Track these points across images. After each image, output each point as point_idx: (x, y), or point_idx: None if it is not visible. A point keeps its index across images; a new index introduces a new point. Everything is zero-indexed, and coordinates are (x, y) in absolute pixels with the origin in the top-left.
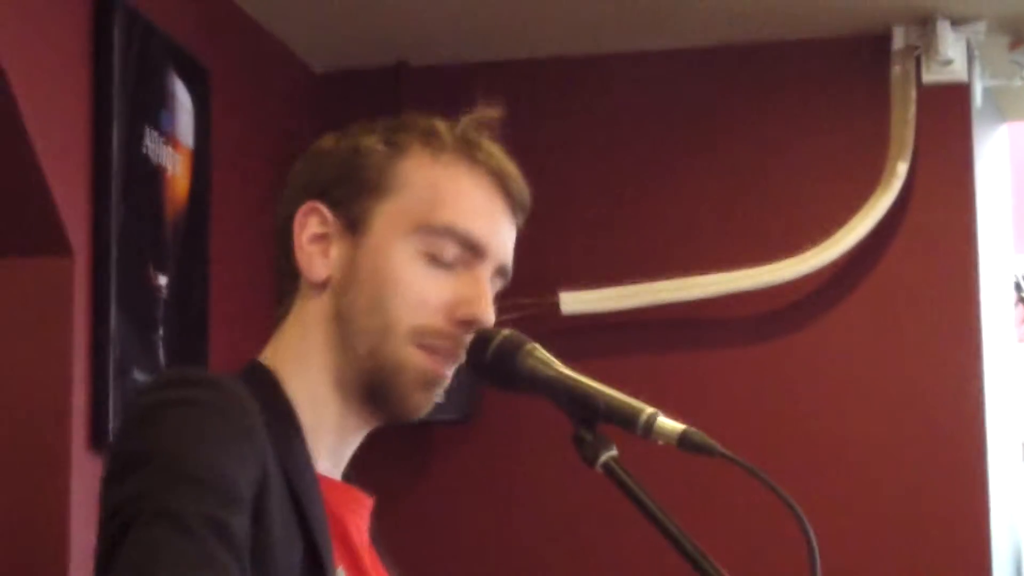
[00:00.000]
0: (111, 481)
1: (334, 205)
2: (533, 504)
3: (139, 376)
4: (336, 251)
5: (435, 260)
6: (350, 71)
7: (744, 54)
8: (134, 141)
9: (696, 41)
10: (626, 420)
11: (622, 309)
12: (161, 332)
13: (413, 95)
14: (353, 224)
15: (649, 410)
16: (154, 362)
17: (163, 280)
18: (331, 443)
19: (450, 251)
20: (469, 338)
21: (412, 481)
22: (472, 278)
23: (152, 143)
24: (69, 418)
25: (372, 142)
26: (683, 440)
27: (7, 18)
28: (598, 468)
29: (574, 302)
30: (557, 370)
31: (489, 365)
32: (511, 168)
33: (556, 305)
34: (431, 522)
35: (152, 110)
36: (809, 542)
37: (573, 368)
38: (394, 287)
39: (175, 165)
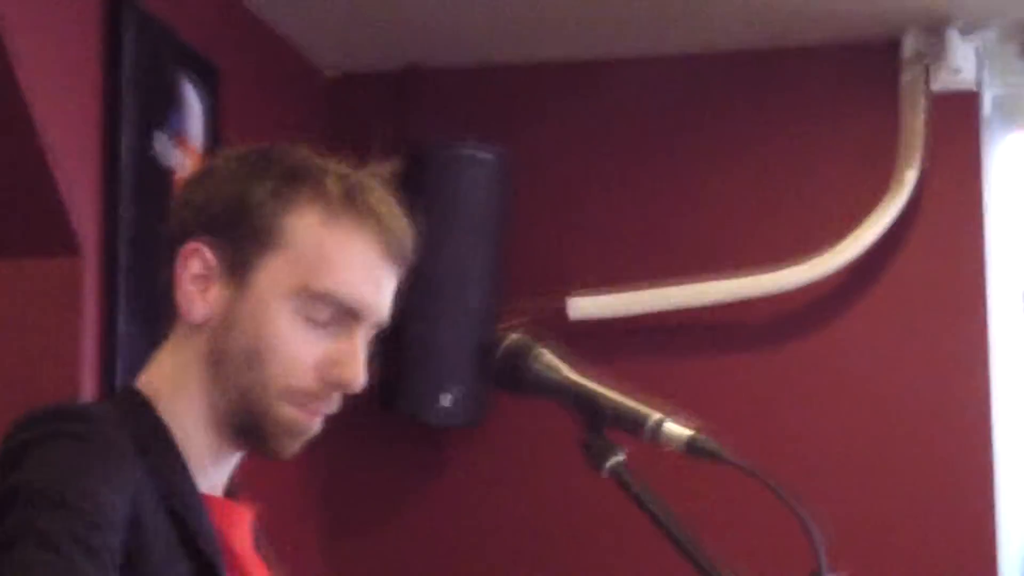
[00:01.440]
0: None
1: (218, 246)
2: (543, 508)
3: None
4: (216, 293)
5: (312, 321)
6: (360, 73)
7: (754, 59)
8: (144, 142)
9: (707, 46)
10: (633, 425)
11: (630, 314)
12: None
13: (422, 98)
14: (235, 269)
15: (656, 415)
16: None
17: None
18: (207, 466)
19: (327, 313)
20: (339, 397)
21: (423, 486)
22: (347, 340)
23: (161, 144)
24: None
25: (262, 191)
26: (691, 445)
27: (18, 18)
28: (605, 473)
29: (581, 307)
30: (565, 375)
31: (498, 370)
32: (397, 223)
33: (563, 310)
34: (442, 526)
35: (162, 111)
36: (817, 549)
37: (582, 372)
38: (270, 346)
39: (185, 166)
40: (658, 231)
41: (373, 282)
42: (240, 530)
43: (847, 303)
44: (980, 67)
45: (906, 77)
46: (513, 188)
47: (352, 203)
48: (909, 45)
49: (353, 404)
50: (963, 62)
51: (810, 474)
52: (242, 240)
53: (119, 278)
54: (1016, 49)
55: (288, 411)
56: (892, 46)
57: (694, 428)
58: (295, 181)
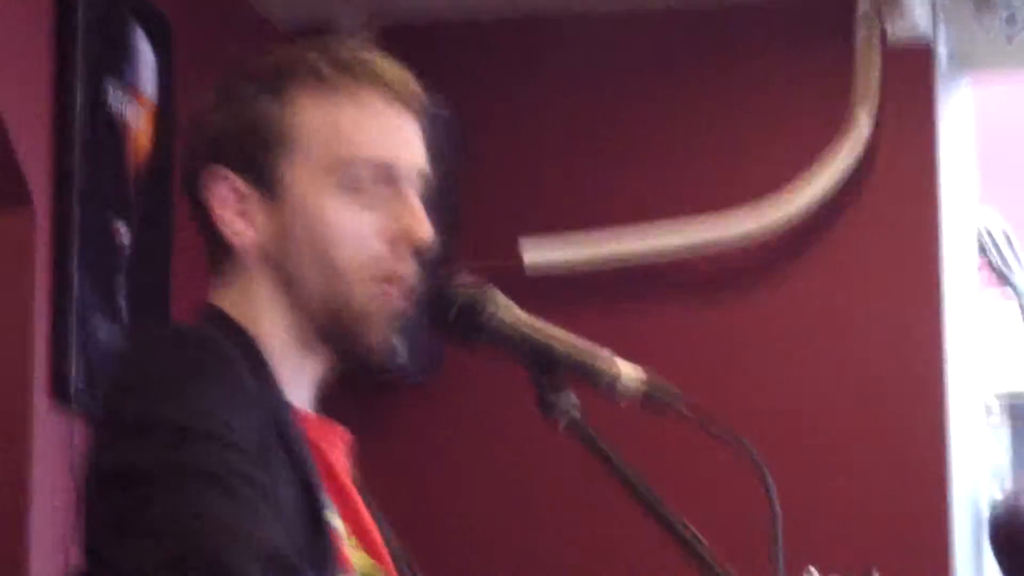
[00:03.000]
0: (114, 445)
1: (242, 171)
2: (499, 460)
3: (101, 329)
4: (261, 219)
5: (357, 191)
6: (313, 28)
7: (708, 13)
8: (96, 94)
9: (660, 1)
10: (589, 375)
11: (585, 261)
12: (123, 284)
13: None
14: (268, 187)
15: (613, 365)
16: (116, 314)
17: (125, 232)
18: (295, 385)
19: (367, 179)
20: (415, 262)
21: (377, 440)
22: (402, 201)
23: (115, 96)
24: (31, 370)
25: (255, 96)
26: (647, 395)
27: None
28: (561, 423)
29: (537, 252)
30: (520, 326)
31: (452, 322)
32: (398, 73)
33: (520, 259)
34: (395, 481)
35: (114, 63)
36: (768, 491)
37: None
38: (330, 234)
39: (138, 118)
40: (613, 178)
41: (394, 132)
42: (339, 452)
43: (802, 250)
44: (934, 19)
45: (861, 29)
46: (466, 142)
47: (344, 70)
48: None
49: None
50: (917, 14)
51: (761, 424)
52: (258, 156)
53: (71, 229)
54: (970, 1)
55: (372, 293)
56: None
57: (648, 378)
58: (285, 79)
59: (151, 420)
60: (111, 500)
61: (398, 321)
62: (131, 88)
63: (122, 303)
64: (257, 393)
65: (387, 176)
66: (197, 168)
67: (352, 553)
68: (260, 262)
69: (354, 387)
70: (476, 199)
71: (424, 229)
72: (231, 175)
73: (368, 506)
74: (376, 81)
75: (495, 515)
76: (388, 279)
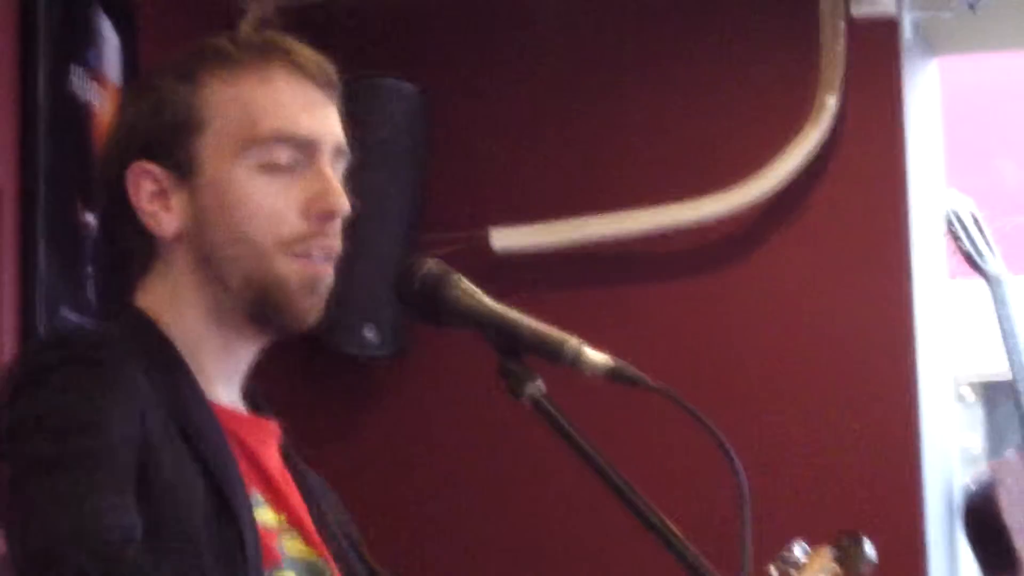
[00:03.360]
0: (6, 443)
1: (158, 158)
2: (470, 438)
3: (68, 314)
4: (176, 202)
5: (273, 169)
6: (278, 7)
7: None
8: (60, 78)
9: None
10: (552, 351)
11: (553, 244)
12: (90, 270)
13: (341, 32)
14: (182, 170)
15: (575, 341)
16: (83, 300)
17: (92, 218)
18: (220, 375)
19: (284, 155)
20: (335, 230)
21: (349, 418)
22: (315, 172)
23: (78, 80)
24: None
25: (169, 85)
26: (610, 370)
27: None
28: (525, 400)
29: (505, 238)
30: (483, 302)
31: (416, 298)
32: (305, 52)
33: (487, 241)
34: (366, 461)
35: (78, 47)
36: (736, 472)
37: (499, 301)
38: (245, 210)
39: (102, 102)
40: (580, 161)
41: (308, 107)
42: (268, 447)
43: (768, 232)
44: None
45: (825, 3)
46: (433, 121)
47: (250, 48)
48: None
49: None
50: None
51: (731, 404)
52: (173, 140)
53: (37, 215)
54: None
55: (291, 265)
56: None
57: (612, 357)
58: (191, 62)
59: (16, 417)
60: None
61: (321, 286)
62: (95, 73)
63: (89, 288)
64: (150, 390)
65: (298, 149)
66: (117, 169)
67: (287, 544)
68: (181, 247)
69: (329, 366)
70: (442, 180)
71: (336, 197)
72: (149, 165)
73: (310, 495)
74: (284, 60)
75: (467, 495)
76: (306, 250)
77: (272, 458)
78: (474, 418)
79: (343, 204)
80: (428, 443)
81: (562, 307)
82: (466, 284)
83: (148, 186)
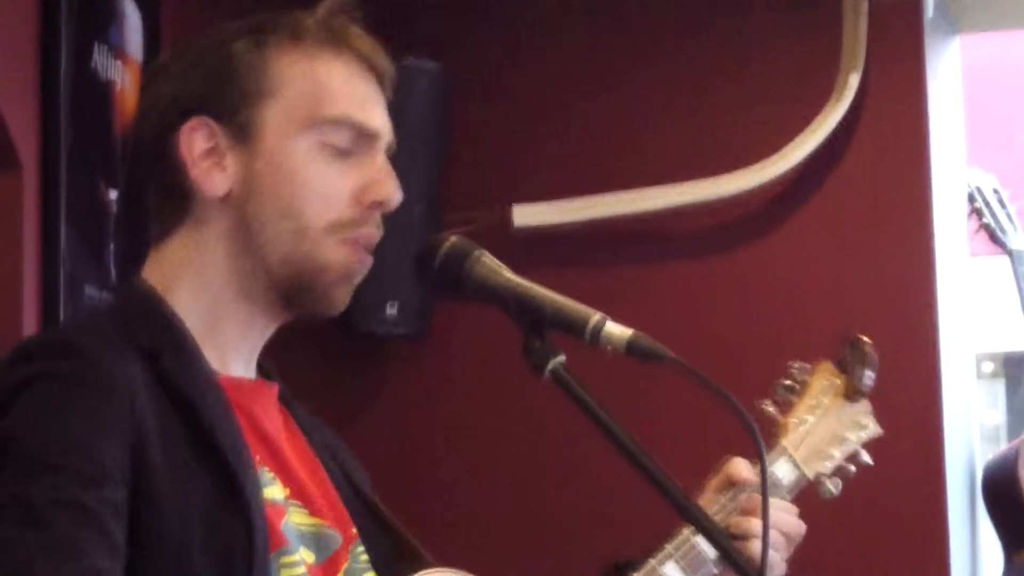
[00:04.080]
0: None
1: (217, 116)
2: (492, 416)
3: (90, 291)
4: (231, 163)
5: (334, 151)
6: None
7: None
8: (82, 55)
9: None
10: (574, 326)
11: (575, 222)
12: (112, 248)
13: (365, 11)
14: (242, 132)
15: (597, 315)
16: (105, 278)
17: (113, 195)
18: (240, 345)
19: (346, 140)
20: (377, 220)
21: (371, 397)
22: (372, 161)
23: (101, 57)
24: (20, 334)
25: (240, 47)
26: (631, 346)
27: None
28: (546, 375)
29: (527, 215)
30: (505, 276)
31: (437, 273)
32: (371, 45)
33: (508, 218)
34: (387, 439)
35: (100, 24)
36: (758, 446)
37: (521, 276)
38: (302, 186)
39: (124, 80)
40: (601, 141)
41: (372, 102)
42: (266, 408)
43: (791, 210)
44: None
45: None
46: (455, 100)
47: (328, 32)
48: None
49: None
50: None
51: (751, 381)
52: (239, 102)
53: (59, 192)
54: None
55: (340, 253)
56: None
57: (633, 331)
58: (266, 30)
59: (3, 442)
60: None
61: (356, 277)
62: (117, 50)
63: (111, 266)
64: (140, 385)
65: (359, 137)
66: (170, 121)
67: (294, 517)
68: (224, 210)
69: (351, 344)
70: (464, 158)
71: (395, 194)
72: (208, 121)
73: (325, 449)
74: (354, 49)
75: (488, 474)
76: (354, 239)
77: (274, 420)
78: (494, 397)
79: (396, 194)
80: (448, 421)
81: (583, 285)
82: (489, 259)
83: (203, 143)
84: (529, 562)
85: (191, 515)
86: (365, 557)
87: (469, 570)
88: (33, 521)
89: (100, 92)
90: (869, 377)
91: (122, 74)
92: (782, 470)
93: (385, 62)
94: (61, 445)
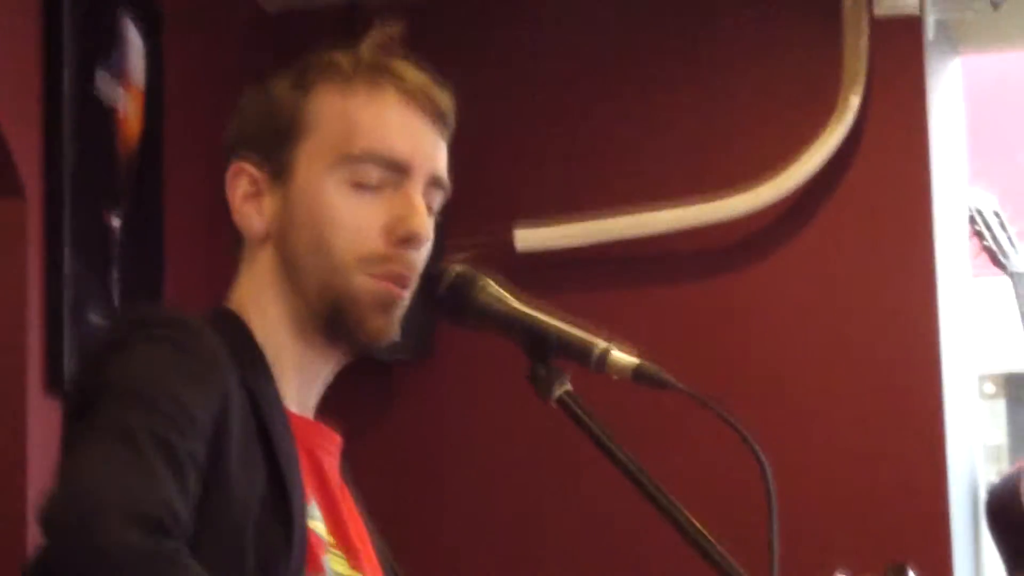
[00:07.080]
0: (74, 414)
1: (258, 159)
2: (493, 439)
3: (94, 317)
4: (268, 203)
5: (362, 187)
6: (303, 11)
7: None
8: (85, 81)
9: None
10: (579, 354)
11: (578, 245)
12: (115, 273)
13: (364, 31)
14: (279, 173)
15: (602, 343)
16: (109, 303)
17: (117, 220)
18: (296, 384)
19: (374, 175)
20: (414, 257)
21: (373, 420)
22: (402, 196)
23: (103, 83)
24: (24, 360)
25: (281, 89)
26: (637, 373)
27: None
28: (552, 402)
29: (529, 239)
30: (511, 304)
31: (443, 300)
32: (421, 79)
33: (511, 242)
34: (390, 462)
35: (103, 50)
36: (764, 472)
37: (527, 302)
38: (330, 222)
39: (127, 105)
40: (604, 162)
41: (408, 134)
42: (331, 456)
43: (793, 230)
44: None
45: (849, 2)
46: (456, 121)
47: (365, 67)
48: None
49: None
50: None
51: (758, 402)
52: (276, 143)
53: (63, 217)
54: None
55: (366, 282)
56: None
57: (639, 357)
58: (307, 71)
59: (105, 388)
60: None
61: (394, 307)
62: (120, 75)
63: (115, 292)
64: (237, 386)
65: (396, 173)
66: (227, 159)
67: (334, 563)
68: (266, 250)
69: (353, 367)
70: (466, 180)
71: (423, 230)
72: (249, 165)
73: (359, 513)
74: (396, 84)
75: (492, 497)
76: (386, 273)
77: (333, 468)
78: (498, 420)
79: (424, 229)
80: (452, 445)
81: (587, 307)
82: (493, 287)
83: (244, 186)
84: None
85: (252, 505)
86: None
87: None
88: (129, 442)
89: (103, 118)
90: None
91: (124, 100)
92: None
93: (433, 92)
94: (160, 389)
